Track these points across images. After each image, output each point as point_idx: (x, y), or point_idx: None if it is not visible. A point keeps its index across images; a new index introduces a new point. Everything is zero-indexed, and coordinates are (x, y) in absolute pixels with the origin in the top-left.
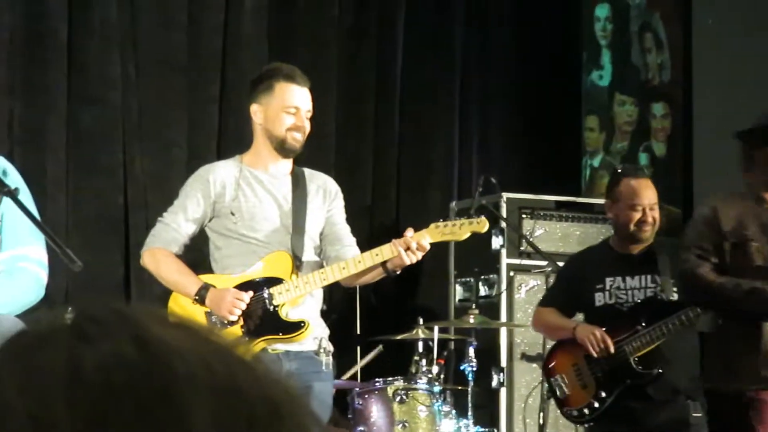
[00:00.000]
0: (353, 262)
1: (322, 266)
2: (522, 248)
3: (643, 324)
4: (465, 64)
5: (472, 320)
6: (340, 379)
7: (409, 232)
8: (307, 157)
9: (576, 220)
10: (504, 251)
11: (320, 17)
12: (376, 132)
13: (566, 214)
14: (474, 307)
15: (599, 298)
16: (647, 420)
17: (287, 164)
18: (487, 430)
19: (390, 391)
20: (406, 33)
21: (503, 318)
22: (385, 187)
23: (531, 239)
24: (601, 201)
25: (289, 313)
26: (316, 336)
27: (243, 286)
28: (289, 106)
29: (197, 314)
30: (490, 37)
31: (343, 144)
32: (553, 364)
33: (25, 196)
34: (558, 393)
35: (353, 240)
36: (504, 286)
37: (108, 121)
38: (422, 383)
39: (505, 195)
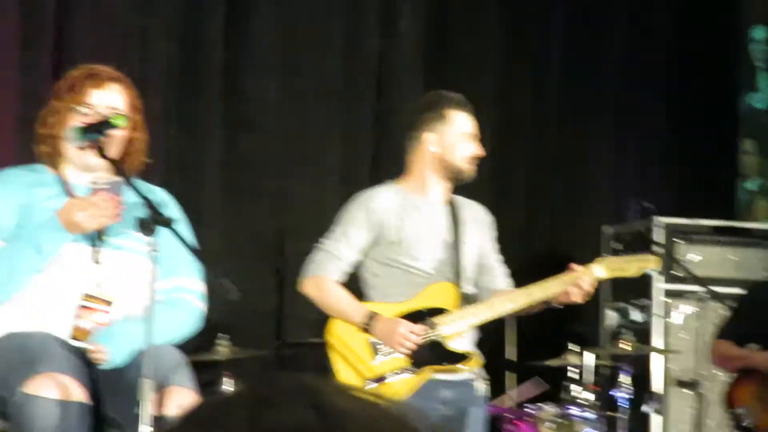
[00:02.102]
0: (523, 294)
1: (475, 297)
2: (676, 273)
3: None
4: (621, 87)
5: (627, 346)
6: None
7: (578, 268)
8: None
9: (733, 245)
10: (658, 276)
11: (475, 41)
12: (531, 156)
13: (722, 238)
14: (628, 332)
15: None
16: None
17: (445, 192)
18: None
19: (543, 416)
20: (562, 58)
21: (656, 343)
22: (539, 212)
23: (685, 264)
24: (760, 225)
25: (451, 344)
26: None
27: (408, 317)
28: (467, 134)
29: (357, 343)
30: (646, 59)
31: (497, 168)
32: (734, 395)
33: (183, 227)
34: (745, 422)
35: (505, 270)
36: (658, 311)
37: (264, 147)
38: (575, 410)
39: (660, 219)
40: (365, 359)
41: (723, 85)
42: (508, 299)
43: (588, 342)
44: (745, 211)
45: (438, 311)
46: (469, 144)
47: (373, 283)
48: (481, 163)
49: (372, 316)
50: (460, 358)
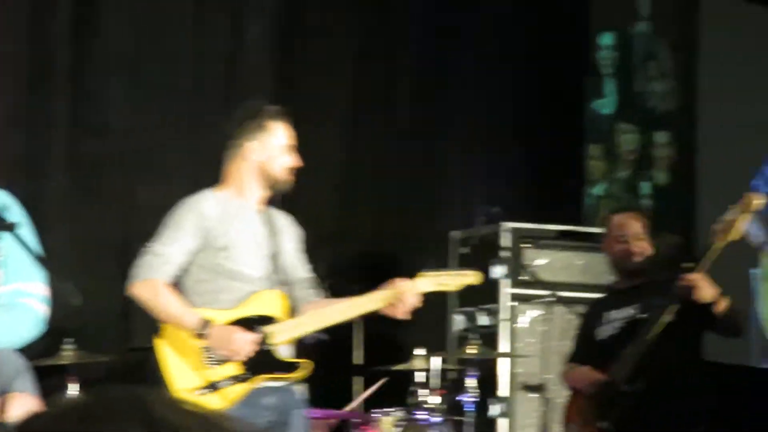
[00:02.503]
0: (349, 306)
1: (294, 303)
2: (523, 278)
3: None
4: (470, 94)
5: (473, 350)
6: (341, 409)
7: (401, 283)
8: (313, 188)
9: (578, 250)
10: (505, 281)
11: (326, 47)
12: (379, 162)
13: (568, 243)
14: (475, 337)
15: (599, 333)
16: None
17: (261, 201)
18: None
19: (389, 421)
20: (413, 64)
21: (503, 348)
22: (388, 219)
23: (532, 269)
24: (604, 230)
25: (280, 352)
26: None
27: (239, 324)
28: (286, 145)
29: (189, 349)
30: (494, 65)
31: (347, 175)
32: (566, 416)
33: (26, 231)
34: None
35: (314, 281)
36: (504, 315)
37: (110, 149)
38: (422, 414)
39: (507, 224)
40: (197, 366)
41: (570, 92)
42: (337, 311)
43: (435, 346)
44: (592, 216)
45: (268, 319)
46: (288, 155)
47: (198, 290)
48: (331, 169)
49: (206, 324)
50: (291, 367)
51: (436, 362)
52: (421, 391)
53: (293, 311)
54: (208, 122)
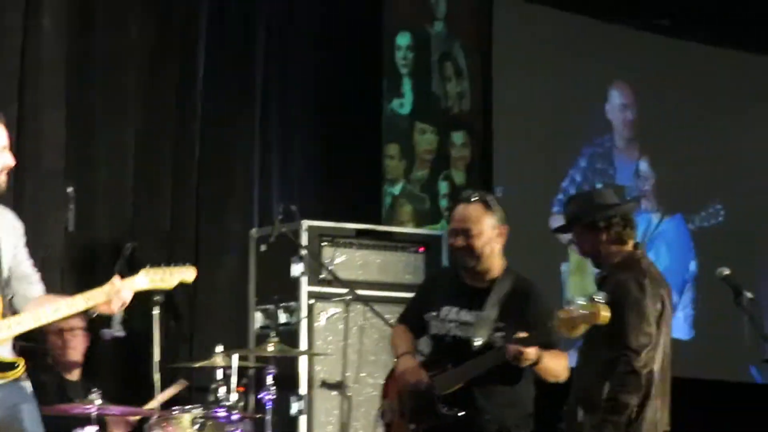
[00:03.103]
0: (66, 304)
1: (11, 303)
2: (322, 276)
3: (454, 364)
4: (265, 89)
5: (271, 348)
6: (141, 407)
7: (117, 280)
8: (105, 182)
9: (376, 248)
10: (304, 279)
11: (119, 39)
12: (176, 158)
13: (366, 242)
14: (274, 334)
15: (433, 326)
16: None
17: None
18: None
19: (188, 418)
20: (207, 56)
21: (303, 346)
22: (184, 214)
23: (331, 267)
24: (401, 229)
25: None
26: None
27: None
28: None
29: None
30: (290, 62)
31: (141, 169)
32: (389, 385)
33: None
34: (385, 418)
35: (38, 277)
36: (304, 313)
37: None
38: (221, 411)
39: (306, 222)
40: None
41: (368, 90)
42: (53, 309)
43: (235, 344)
44: (391, 215)
45: None
46: (2, 155)
47: None
48: (125, 162)
49: None
50: (10, 367)
51: (235, 360)
52: (220, 389)
53: (16, 308)
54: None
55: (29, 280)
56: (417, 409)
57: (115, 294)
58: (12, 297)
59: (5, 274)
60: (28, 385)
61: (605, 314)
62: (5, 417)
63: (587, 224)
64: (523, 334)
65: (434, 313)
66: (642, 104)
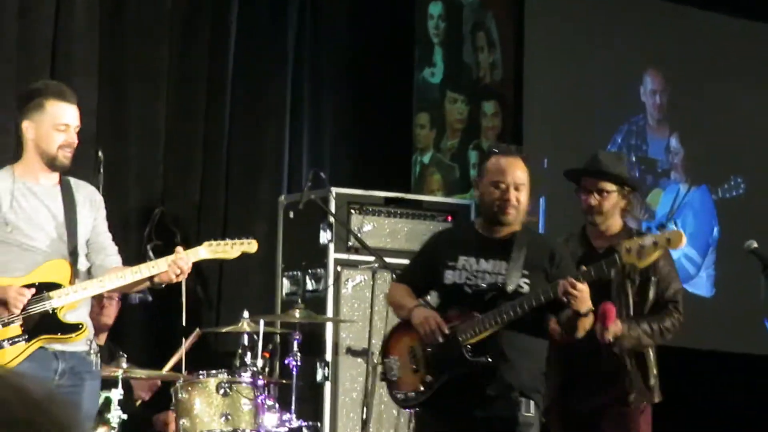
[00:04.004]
0: (131, 272)
1: (89, 272)
2: (350, 243)
3: (480, 311)
4: (297, 57)
5: (297, 314)
6: (163, 370)
7: (181, 250)
8: (136, 148)
9: (404, 216)
10: (332, 246)
11: (152, 8)
12: (207, 126)
13: (395, 210)
14: (300, 301)
15: (449, 276)
16: (474, 412)
17: (56, 175)
18: (310, 424)
19: (214, 383)
20: (239, 25)
21: (329, 313)
22: (214, 180)
23: (359, 235)
24: (430, 198)
25: (66, 316)
26: (88, 338)
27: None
28: (59, 124)
29: None
30: (323, 30)
31: (172, 136)
32: (390, 344)
33: None
34: (389, 375)
35: (116, 249)
36: (331, 280)
37: None
38: (246, 376)
39: (335, 190)
40: None
41: (400, 59)
42: (118, 276)
43: (265, 310)
44: (420, 184)
45: (53, 286)
46: (62, 133)
47: None
48: (157, 132)
49: None
50: (74, 329)
51: (261, 326)
52: (247, 354)
53: (94, 278)
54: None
55: (107, 252)
56: (438, 359)
57: (177, 263)
58: (90, 267)
59: (81, 243)
60: (97, 361)
61: (684, 241)
62: (69, 386)
63: (630, 190)
64: (584, 268)
65: (450, 263)
66: (673, 86)
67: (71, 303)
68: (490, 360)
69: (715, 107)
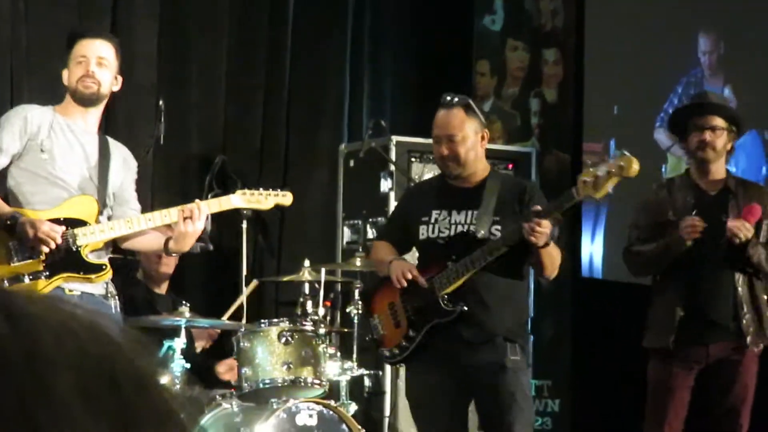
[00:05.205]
0: (159, 215)
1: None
2: None
3: (454, 259)
4: (357, 6)
5: (358, 263)
6: (222, 319)
7: (212, 197)
8: (197, 97)
9: None
10: (392, 194)
11: None
12: (267, 73)
13: None
14: (361, 249)
15: (423, 231)
16: (460, 361)
17: (94, 122)
18: (372, 372)
19: (275, 332)
20: None
21: None
22: (274, 129)
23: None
24: (491, 146)
25: (89, 255)
26: (106, 281)
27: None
28: (78, 57)
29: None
30: None
31: (232, 84)
32: (372, 303)
33: None
34: (375, 334)
35: (139, 207)
36: None
37: None
38: (308, 325)
39: (395, 138)
40: (2, 260)
41: (460, 7)
42: (147, 218)
43: (326, 259)
44: None
45: (78, 222)
46: (80, 65)
47: (18, 191)
48: (218, 80)
49: (17, 214)
50: (97, 269)
51: (323, 274)
52: (307, 303)
53: None
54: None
55: (129, 205)
56: (417, 311)
57: (187, 207)
58: (109, 217)
59: (109, 193)
60: (116, 304)
61: (635, 167)
62: None
63: (735, 133)
64: (537, 207)
65: (424, 219)
66: (727, 42)
67: (96, 243)
68: (465, 308)
69: (764, 59)
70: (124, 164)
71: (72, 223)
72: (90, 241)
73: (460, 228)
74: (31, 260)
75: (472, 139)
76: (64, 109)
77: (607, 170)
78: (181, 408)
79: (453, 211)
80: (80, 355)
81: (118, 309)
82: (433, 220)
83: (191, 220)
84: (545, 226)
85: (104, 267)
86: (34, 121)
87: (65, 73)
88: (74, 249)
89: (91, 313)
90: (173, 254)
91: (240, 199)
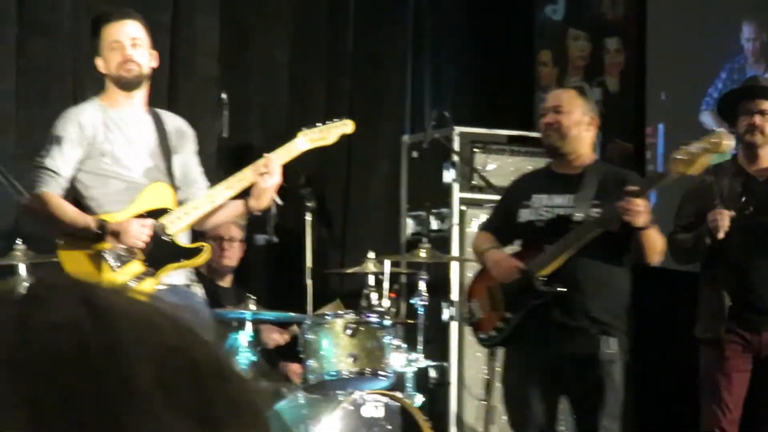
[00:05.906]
0: (236, 180)
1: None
2: (474, 182)
3: (552, 242)
4: None
5: (423, 254)
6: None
7: (266, 155)
8: (260, 87)
9: (527, 155)
10: (456, 185)
11: None
12: (329, 65)
13: (518, 148)
14: (425, 240)
15: (522, 214)
16: (554, 348)
17: (141, 103)
18: (437, 363)
19: (341, 324)
20: None
21: (454, 252)
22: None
23: (483, 173)
24: None
25: (182, 241)
26: (189, 270)
27: None
28: (112, 43)
29: (86, 260)
30: None
31: (295, 75)
32: (472, 289)
33: None
34: (472, 319)
35: (207, 184)
36: (456, 219)
37: (56, 51)
38: (373, 317)
39: (458, 129)
40: (102, 272)
41: None
42: (225, 187)
43: (387, 250)
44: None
45: (159, 212)
46: (116, 51)
47: (90, 195)
48: (280, 68)
49: (102, 223)
50: (195, 252)
51: (387, 266)
52: (373, 295)
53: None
54: (156, 22)
55: (198, 186)
56: (514, 293)
57: (260, 164)
58: (181, 201)
59: (175, 173)
60: (201, 291)
61: (728, 142)
62: None
63: None
64: (633, 188)
65: (525, 203)
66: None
67: (186, 226)
68: (561, 289)
69: None
70: (181, 137)
71: (154, 214)
72: (180, 226)
73: (560, 211)
74: (130, 263)
75: (577, 116)
76: (110, 99)
77: (702, 147)
78: (259, 397)
79: (553, 194)
80: (161, 348)
81: (204, 296)
82: (533, 204)
83: (268, 175)
84: (641, 205)
85: (202, 248)
86: (87, 124)
87: (99, 62)
88: (167, 239)
89: (173, 306)
90: (257, 213)
91: (305, 141)
